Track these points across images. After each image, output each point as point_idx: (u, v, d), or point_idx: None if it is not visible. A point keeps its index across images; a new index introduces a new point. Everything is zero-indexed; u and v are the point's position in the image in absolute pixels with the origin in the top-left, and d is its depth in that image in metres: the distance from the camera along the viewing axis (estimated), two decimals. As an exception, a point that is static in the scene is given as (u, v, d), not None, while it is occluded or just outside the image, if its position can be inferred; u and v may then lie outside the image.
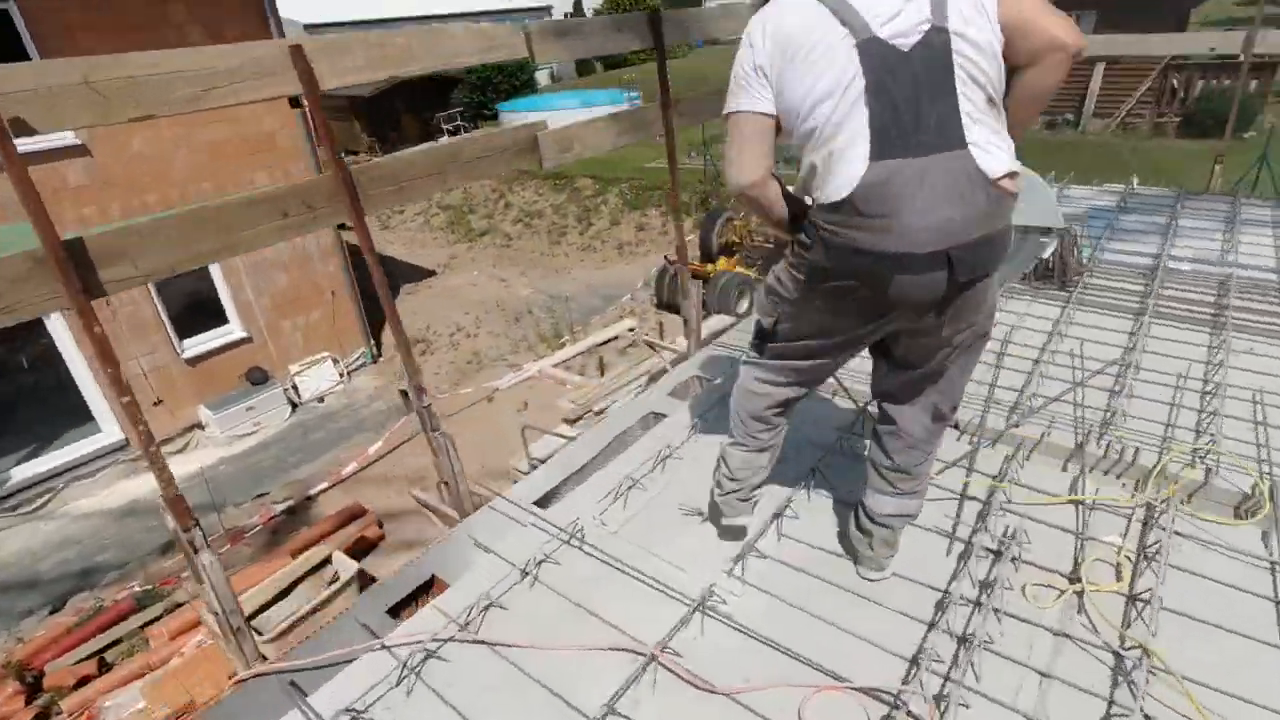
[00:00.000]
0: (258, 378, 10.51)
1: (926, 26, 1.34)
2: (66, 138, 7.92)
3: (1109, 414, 2.57)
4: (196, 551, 1.95)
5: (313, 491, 8.30)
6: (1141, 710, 1.56)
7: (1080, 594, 1.88)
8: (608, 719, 1.65)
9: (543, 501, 2.54)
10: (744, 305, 10.89)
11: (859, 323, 1.64)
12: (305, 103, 2.09)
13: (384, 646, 1.90)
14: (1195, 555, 2.00)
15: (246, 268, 9.98)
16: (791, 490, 2.34)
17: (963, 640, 1.78)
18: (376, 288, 2.47)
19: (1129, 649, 1.71)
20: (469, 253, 16.18)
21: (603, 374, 9.32)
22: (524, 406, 9.57)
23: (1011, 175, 1.39)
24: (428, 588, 2.28)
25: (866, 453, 1.97)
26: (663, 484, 2.48)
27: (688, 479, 2.47)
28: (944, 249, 1.38)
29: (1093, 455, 2.40)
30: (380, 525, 7.49)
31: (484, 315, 13.07)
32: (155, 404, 9.48)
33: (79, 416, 9.00)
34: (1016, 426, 2.56)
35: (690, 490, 2.40)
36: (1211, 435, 2.41)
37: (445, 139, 23.80)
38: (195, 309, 9.99)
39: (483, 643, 1.90)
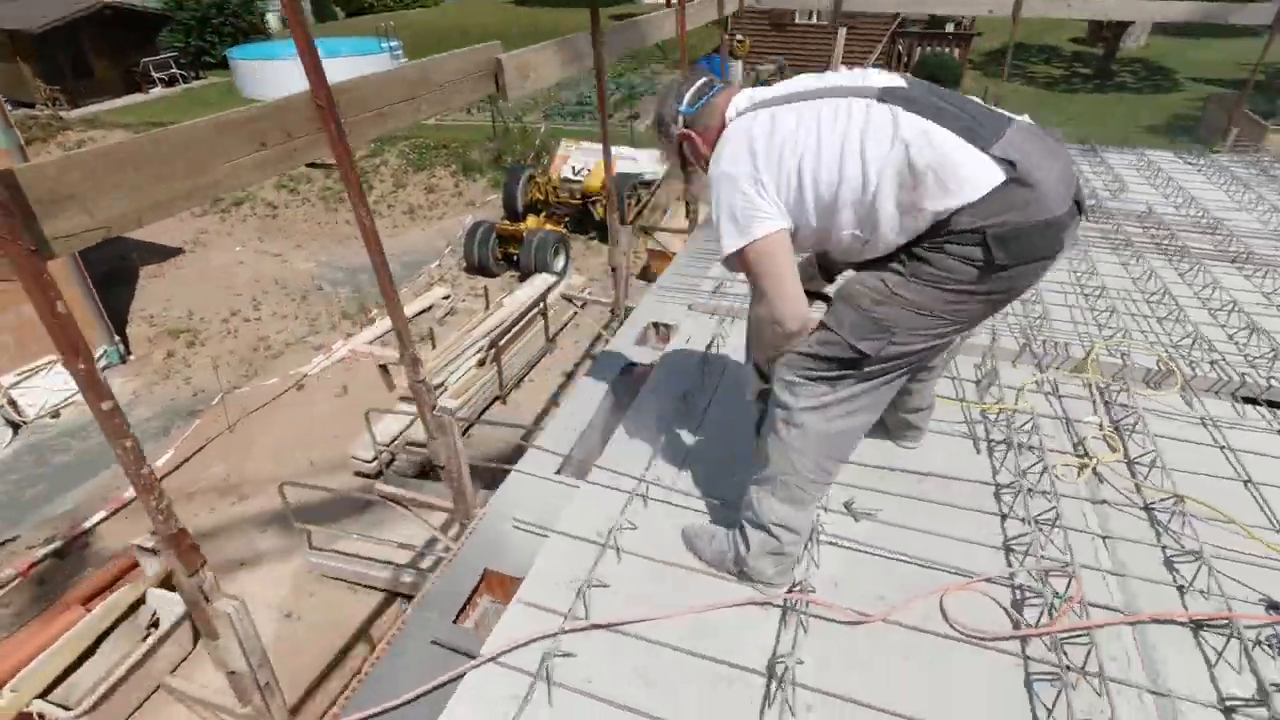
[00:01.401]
0: (-49, 397, 8.14)
1: (903, 81, 1.54)
2: None
3: (1038, 320, 2.97)
4: (209, 600, 1.46)
5: (87, 524, 6.70)
6: (1180, 545, 1.87)
7: (1094, 467, 2.18)
8: (777, 665, 1.57)
9: (563, 470, 2.30)
10: (560, 262, 10.74)
11: (1000, 306, 1.56)
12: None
13: (492, 659, 1.60)
14: (1152, 420, 2.41)
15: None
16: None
17: (1033, 522, 1.96)
18: (375, 268, 1.98)
19: (1163, 500, 2.02)
20: (223, 226, 13.85)
21: (434, 345, 8.65)
22: (343, 391, 8.58)
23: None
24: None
25: None
26: (696, 427, 2.37)
27: (721, 419, 2.40)
28: (1074, 197, 1.42)
29: (1037, 355, 2.77)
30: (197, 548, 6.28)
31: (262, 295, 11.35)
32: None
33: None
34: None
35: (734, 430, 2.33)
36: (1114, 329, 2.91)
37: (159, 90, 19.87)
38: None
39: (602, 627, 1.68)
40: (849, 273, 1.71)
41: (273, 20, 24.90)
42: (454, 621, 1.81)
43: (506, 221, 11.19)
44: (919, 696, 1.53)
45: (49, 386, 9.02)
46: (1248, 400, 2.54)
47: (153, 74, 19.29)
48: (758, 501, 1.70)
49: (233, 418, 7.93)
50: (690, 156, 1.76)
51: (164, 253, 12.66)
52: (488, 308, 9.28)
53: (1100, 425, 2.38)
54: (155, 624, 5.43)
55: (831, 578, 1.83)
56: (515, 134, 14.19)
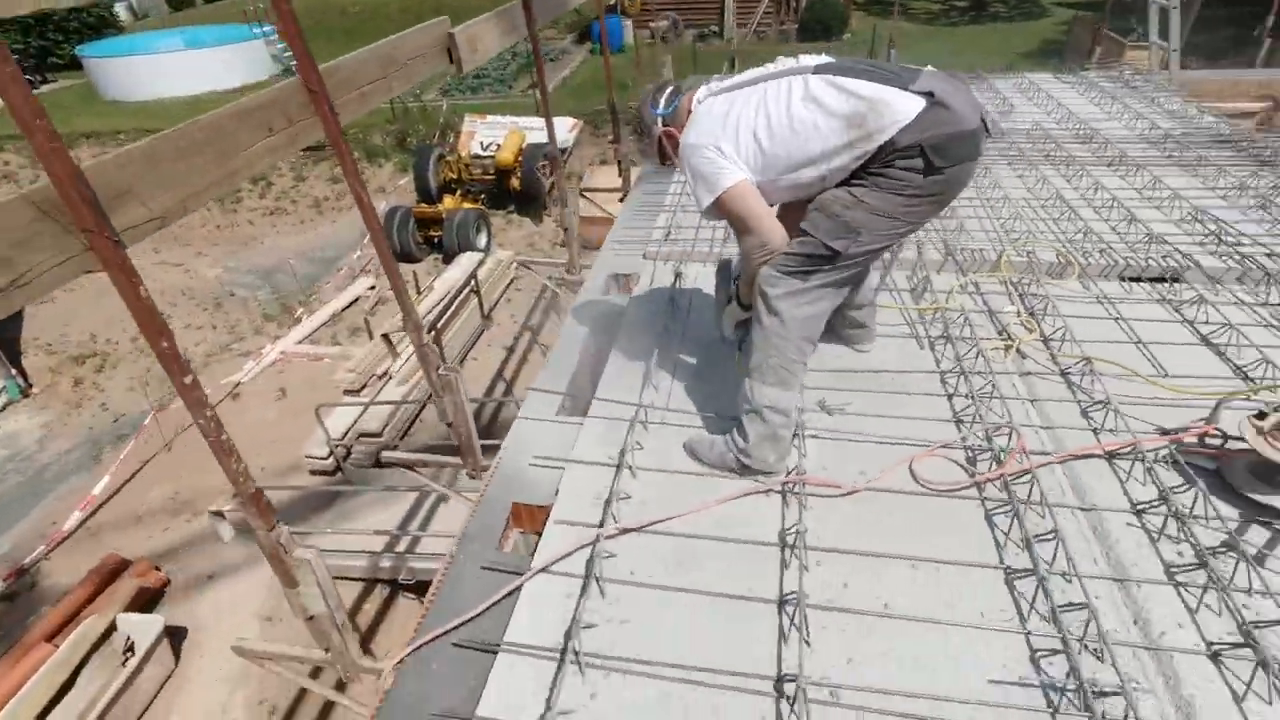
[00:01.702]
0: None
1: (815, 58, 1.94)
2: None
3: (955, 232, 3.35)
4: (288, 551, 1.61)
5: (28, 562, 6.41)
6: (1091, 397, 2.27)
7: (1018, 347, 2.56)
8: (790, 534, 1.86)
9: (561, 411, 2.50)
10: (482, 239, 10.69)
11: (942, 205, 1.91)
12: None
13: (543, 570, 1.81)
14: (1059, 303, 2.81)
15: None
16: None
17: (974, 396, 2.31)
18: (374, 241, 2.09)
19: (1075, 364, 2.42)
20: (111, 239, 12.96)
21: (370, 336, 8.53)
22: (281, 394, 8.38)
23: None
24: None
25: None
26: (676, 355, 2.62)
27: (697, 347, 2.66)
28: (980, 116, 1.80)
29: (959, 262, 3.14)
30: (158, 568, 6.15)
31: (170, 309, 10.79)
32: None
33: None
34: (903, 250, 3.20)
35: (711, 354, 2.59)
36: (1019, 232, 3.32)
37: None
38: None
39: (633, 530, 1.92)
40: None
41: (122, 12, 22.90)
42: (496, 549, 2.00)
43: (423, 204, 11.00)
44: (903, 540, 1.84)
45: (-55, 434, 8.42)
46: (1133, 279, 2.99)
47: (-4, 83, 17.51)
48: (751, 390, 1.99)
49: (168, 436, 7.65)
50: (670, 150, 2.11)
51: (51, 275, 11.79)
52: (418, 292, 9.19)
53: (1018, 313, 2.76)
54: (131, 649, 5.33)
55: (819, 464, 2.12)
56: (416, 114, 13.82)
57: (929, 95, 1.71)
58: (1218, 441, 2.03)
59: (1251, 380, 2.34)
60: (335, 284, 10.58)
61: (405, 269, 10.53)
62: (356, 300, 10.15)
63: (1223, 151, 4.08)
